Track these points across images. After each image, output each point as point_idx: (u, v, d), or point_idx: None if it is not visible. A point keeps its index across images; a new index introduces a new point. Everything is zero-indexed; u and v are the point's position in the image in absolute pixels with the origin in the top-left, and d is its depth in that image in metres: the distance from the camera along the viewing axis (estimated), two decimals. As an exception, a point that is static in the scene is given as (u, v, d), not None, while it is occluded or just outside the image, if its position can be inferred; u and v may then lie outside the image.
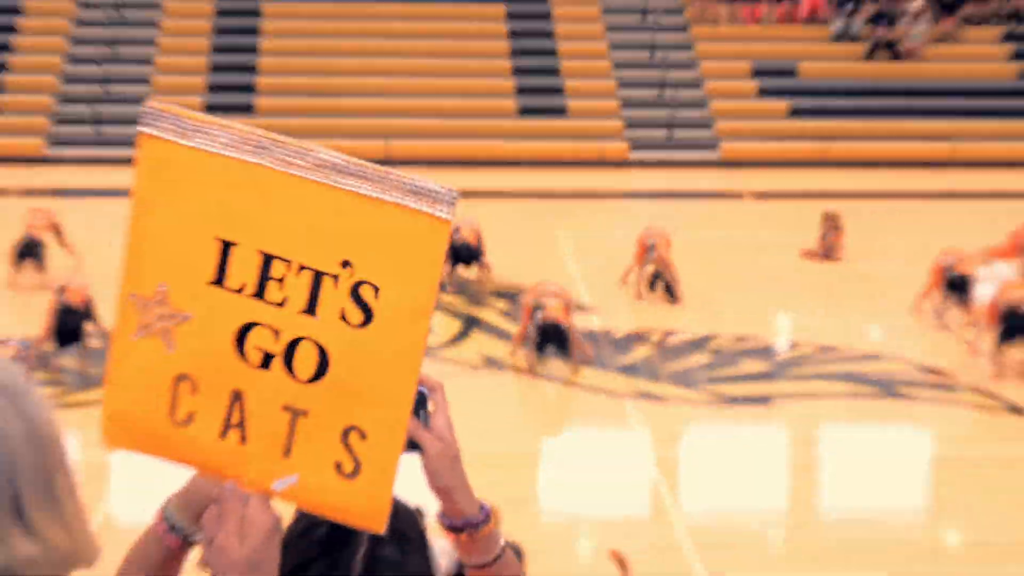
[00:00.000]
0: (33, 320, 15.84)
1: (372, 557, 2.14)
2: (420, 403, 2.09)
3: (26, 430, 1.66)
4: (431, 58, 28.35)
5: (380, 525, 1.98)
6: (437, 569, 2.24)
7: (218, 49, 28.79)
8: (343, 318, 1.87)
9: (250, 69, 28.21)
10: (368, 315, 1.87)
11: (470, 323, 17.61)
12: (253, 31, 29.25)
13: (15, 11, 29.08)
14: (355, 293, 1.86)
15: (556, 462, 14.08)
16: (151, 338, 1.91)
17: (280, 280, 1.87)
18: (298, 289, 1.87)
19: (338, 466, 1.92)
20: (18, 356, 14.21)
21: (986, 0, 29.66)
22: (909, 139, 26.33)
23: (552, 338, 15.28)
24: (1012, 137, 26.57)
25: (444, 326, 17.14)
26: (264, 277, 1.87)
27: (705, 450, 14.43)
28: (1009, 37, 29.33)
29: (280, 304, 1.87)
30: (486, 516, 2.23)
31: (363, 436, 1.91)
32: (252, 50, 28.72)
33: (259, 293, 1.88)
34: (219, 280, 1.88)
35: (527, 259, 19.07)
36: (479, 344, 16.58)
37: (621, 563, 9.60)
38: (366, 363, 1.89)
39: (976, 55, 29.05)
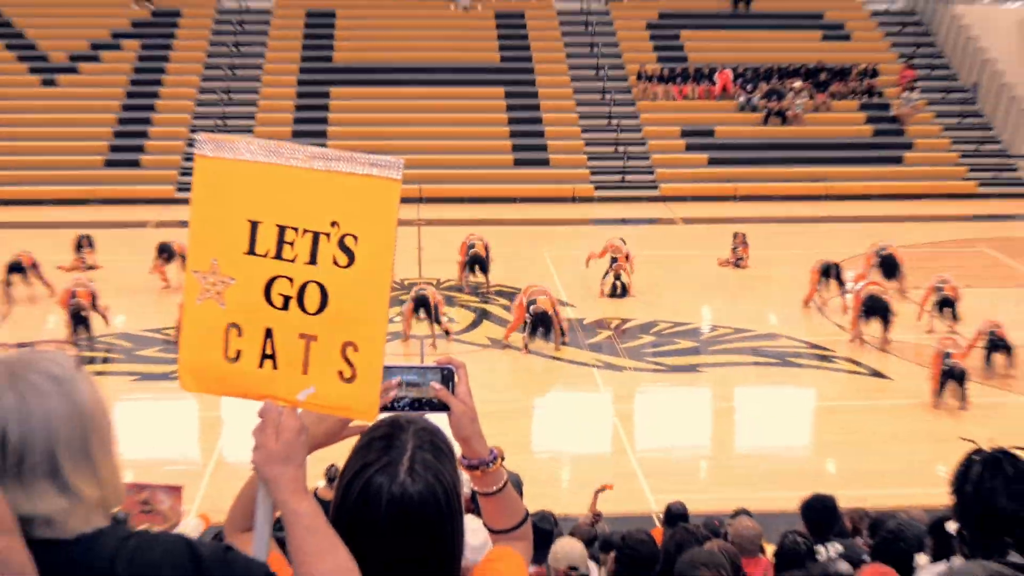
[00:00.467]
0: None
1: (414, 458, 2.09)
2: (448, 377, 2.25)
3: (69, 410, 1.79)
4: (452, 126, 28.86)
5: (372, 416, 2.12)
6: (460, 483, 2.22)
7: (297, 121, 29.08)
8: (335, 263, 2.01)
9: (322, 134, 28.29)
10: (351, 257, 2.00)
11: (481, 315, 18.28)
12: (324, 109, 29.85)
13: (154, 95, 29.72)
14: (341, 243, 2.00)
15: (543, 414, 15.05)
16: (208, 300, 2.07)
17: (291, 243, 2.02)
18: (303, 247, 2.02)
19: (340, 374, 2.05)
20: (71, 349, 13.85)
21: (847, 81, 30.18)
22: (794, 180, 27.19)
23: (541, 324, 16.21)
24: (868, 178, 27.20)
25: (461, 317, 17.96)
26: (280, 242, 2.02)
27: (651, 404, 15.18)
28: (864, 107, 29.75)
29: (292, 260, 2.02)
30: (494, 457, 2.41)
31: (356, 348, 2.04)
32: (323, 122, 29.12)
33: (278, 254, 2.02)
34: (251, 250, 2.04)
35: (521, 269, 19.63)
36: (487, 330, 17.49)
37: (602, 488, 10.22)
38: (353, 293, 2.02)
39: (841, 120, 29.58)
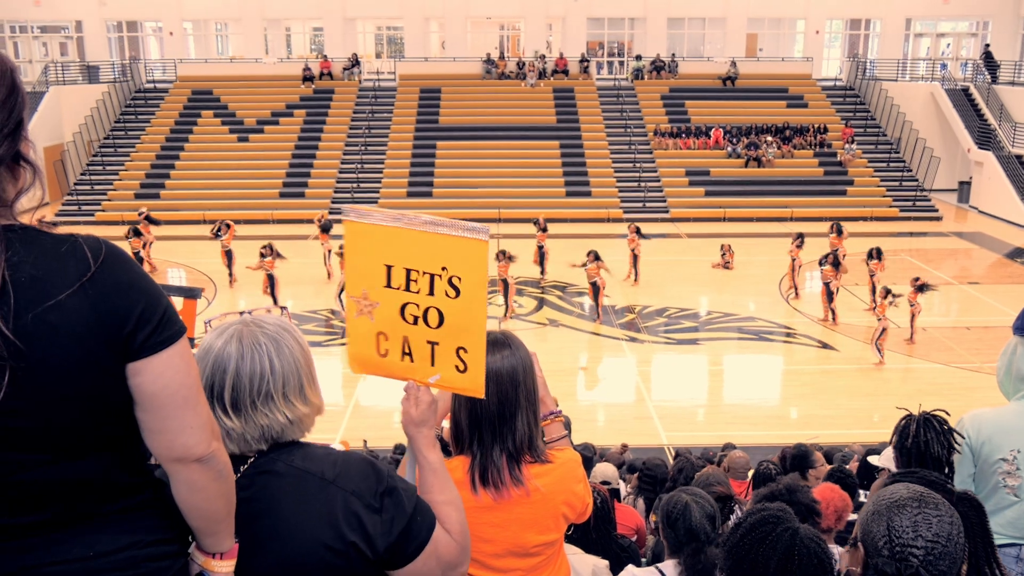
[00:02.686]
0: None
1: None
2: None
3: (299, 347, 1.83)
4: (521, 167, 28.74)
5: (481, 393, 2.07)
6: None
7: (413, 165, 29.07)
8: (446, 295, 1.99)
9: (431, 174, 28.64)
10: (457, 292, 1.98)
11: (540, 302, 18.30)
12: (432, 156, 29.74)
13: (315, 147, 29.61)
14: (450, 281, 1.98)
15: (587, 374, 14.98)
16: (362, 316, 2.07)
17: (415, 280, 2.00)
18: (424, 283, 2.00)
19: (456, 367, 2.04)
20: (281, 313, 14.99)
21: (805, 136, 29.73)
22: (766, 207, 26.82)
23: (593, 291, 16.90)
24: (820, 206, 26.50)
25: (527, 303, 18.00)
26: (408, 279, 2.01)
27: (663, 367, 15.10)
28: (817, 155, 29.05)
29: (417, 292, 2.01)
30: (559, 412, 2.48)
31: (465, 351, 2.03)
32: (432, 165, 28.99)
33: (407, 288, 2.02)
34: (388, 284, 2.03)
35: (570, 270, 18.68)
36: (546, 313, 17.58)
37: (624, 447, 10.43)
38: (461, 315, 2.00)
39: (800, 164, 28.86)
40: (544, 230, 19.83)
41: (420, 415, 2.01)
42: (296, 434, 1.82)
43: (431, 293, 2.01)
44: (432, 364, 2.06)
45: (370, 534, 1.76)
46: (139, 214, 20.92)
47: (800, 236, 18.60)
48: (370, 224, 2.02)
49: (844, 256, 17.14)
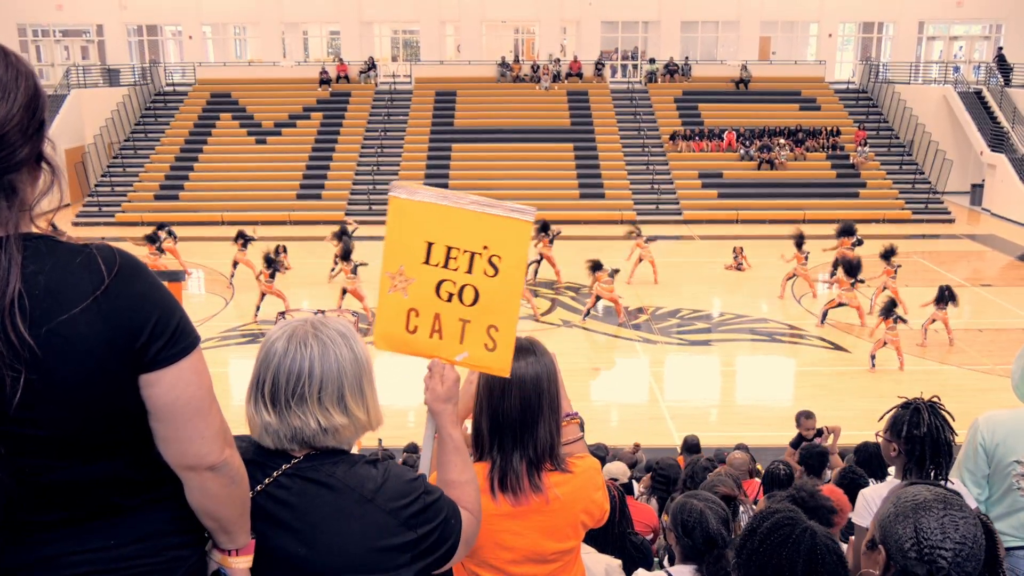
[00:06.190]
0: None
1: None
2: None
3: (351, 356, 1.79)
4: (536, 169, 28.63)
5: (507, 372, 2.10)
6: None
7: (429, 167, 29.04)
8: (485, 273, 2.02)
9: (446, 176, 28.23)
10: (496, 270, 2.01)
11: (553, 303, 18.19)
12: (448, 159, 29.78)
13: (331, 149, 29.74)
14: (490, 260, 2.01)
15: (602, 374, 14.87)
16: (396, 293, 2.09)
17: (455, 258, 2.03)
18: (463, 261, 2.03)
19: (485, 345, 2.07)
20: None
21: (818, 138, 29.56)
22: (779, 209, 26.51)
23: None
24: (833, 208, 26.24)
25: (541, 304, 17.83)
26: (447, 257, 2.03)
27: (676, 368, 14.98)
28: (830, 157, 28.88)
29: (455, 269, 2.04)
30: (575, 414, 2.48)
31: (496, 329, 2.06)
32: (447, 167, 28.89)
33: (445, 264, 2.04)
34: (427, 260, 2.05)
35: (585, 273, 17.97)
36: (560, 314, 17.42)
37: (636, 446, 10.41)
38: (498, 293, 2.03)
39: (813, 167, 28.70)
40: (545, 233, 19.32)
41: (447, 391, 2.02)
42: (330, 442, 1.79)
43: (469, 271, 2.05)
44: (461, 342, 2.08)
45: (404, 549, 1.77)
46: (164, 231, 19.99)
47: (800, 239, 18.36)
48: (417, 201, 2.06)
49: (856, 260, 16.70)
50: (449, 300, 2.07)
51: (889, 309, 14.27)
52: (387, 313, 2.13)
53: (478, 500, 1.97)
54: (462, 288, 2.05)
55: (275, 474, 1.77)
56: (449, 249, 2.05)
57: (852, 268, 16.08)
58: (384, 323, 2.14)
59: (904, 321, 14.36)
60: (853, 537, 3.31)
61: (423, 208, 2.05)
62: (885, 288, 16.83)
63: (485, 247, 2.02)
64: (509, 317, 2.05)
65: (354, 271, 16.45)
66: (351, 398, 1.78)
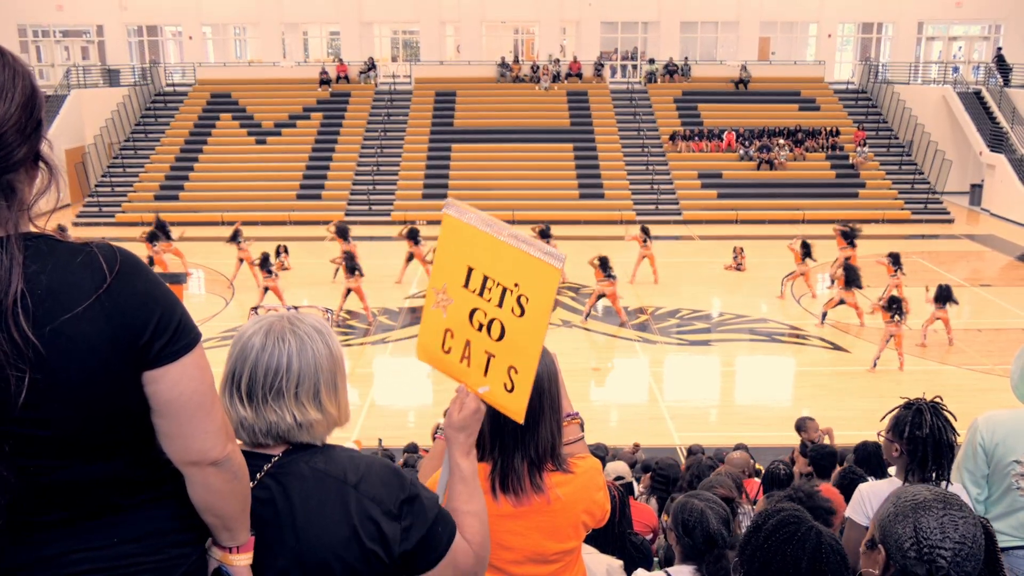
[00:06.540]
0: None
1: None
2: None
3: (327, 352, 1.79)
4: (536, 170, 28.60)
5: (521, 418, 2.03)
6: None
7: (428, 167, 29.04)
8: (512, 311, 1.96)
9: (445, 176, 28.43)
10: (523, 311, 1.94)
11: (554, 303, 18.51)
12: (447, 159, 29.63)
13: (331, 150, 29.82)
14: (519, 299, 1.94)
15: (601, 374, 14.86)
16: (438, 309, 2.09)
17: (490, 288, 1.99)
18: (496, 293, 1.98)
19: (504, 385, 2.01)
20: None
21: (817, 139, 29.58)
22: (778, 210, 26.62)
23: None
24: (832, 208, 26.31)
25: None
26: (483, 286, 2.00)
27: (675, 368, 14.95)
28: (829, 158, 28.91)
29: (488, 300, 2.00)
30: (575, 414, 2.48)
31: (516, 371, 1.99)
32: (447, 168, 29.06)
33: (480, 293, 2.00)
34: (465, 285, 2.03)
35: (584, 271, 18.25)
36: (560, 314, 17.25)
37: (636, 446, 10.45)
38: (522, 335, 1.96)
39: (813, 167, 28.71)
40: (546, 238, 18.95)
41: (462, 420, 1.98)
42: (304, 437, 1.79)
43: (500, 305, 1.99)
44: (484, 374, 2.04)
45: (388, 540, 1.76)
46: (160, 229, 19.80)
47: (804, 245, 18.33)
48: (464, 223, 2.03)
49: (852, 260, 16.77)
50: (480, 330, 2.02)
51: (892, 303, 14.31)
52: (429, 327, 2.12)
53: (481, 535, 1.92)
54: (491, 321, 2.00)
55: (259, 476, 1.76)
56: (486, 279, 2.00)
57: (853, 276, 16.11)
58: (425, 335, 2.13)
59: (902, 315, 14.27)
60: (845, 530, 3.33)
61: (468, 231, 2.02)
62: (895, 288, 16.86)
63: (516, 284, 1.95)
64: (529, 362, 1.97)
65: (352, 272, 16.48)
66: (326, 394, 1.79)
